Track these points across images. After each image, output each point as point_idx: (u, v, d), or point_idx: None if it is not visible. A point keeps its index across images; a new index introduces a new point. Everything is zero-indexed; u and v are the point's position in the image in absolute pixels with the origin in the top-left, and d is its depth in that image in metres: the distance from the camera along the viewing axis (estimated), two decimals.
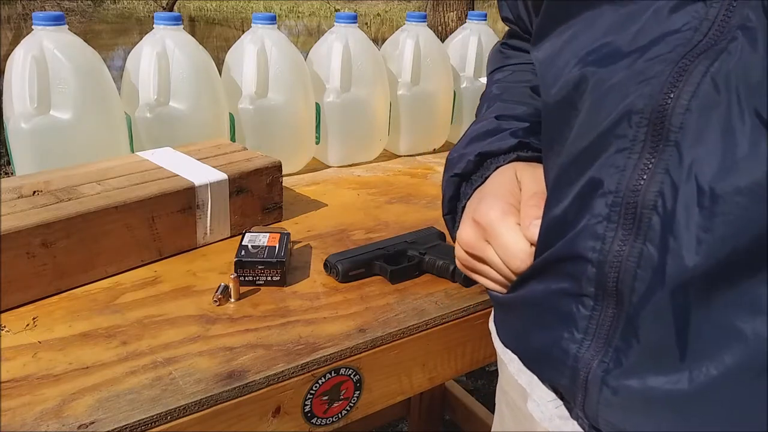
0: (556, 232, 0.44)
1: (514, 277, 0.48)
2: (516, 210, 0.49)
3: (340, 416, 0.60)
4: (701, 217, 0.34)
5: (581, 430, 0.46)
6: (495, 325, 0.57)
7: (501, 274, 0.49)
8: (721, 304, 0.35)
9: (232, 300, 0.63)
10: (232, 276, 0.64)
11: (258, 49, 0.98)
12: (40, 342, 0.56)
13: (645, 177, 0.37)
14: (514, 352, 0.53)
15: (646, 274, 0.37)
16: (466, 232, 0.51)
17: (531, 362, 0.50)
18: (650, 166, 0.36)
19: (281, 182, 0.84)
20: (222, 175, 0.77)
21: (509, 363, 0.56)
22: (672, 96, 0.35)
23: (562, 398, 0.49)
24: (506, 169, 0.53)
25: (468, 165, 0.55)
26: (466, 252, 0.52)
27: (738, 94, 0.33)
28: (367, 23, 11.02)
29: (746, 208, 0.33)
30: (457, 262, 0.54)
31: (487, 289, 0.53)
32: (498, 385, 0.61)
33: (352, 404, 0.61)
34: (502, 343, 0.55)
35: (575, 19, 0.44)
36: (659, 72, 0.36)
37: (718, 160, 0.34)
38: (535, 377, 0.51)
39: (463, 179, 0.56)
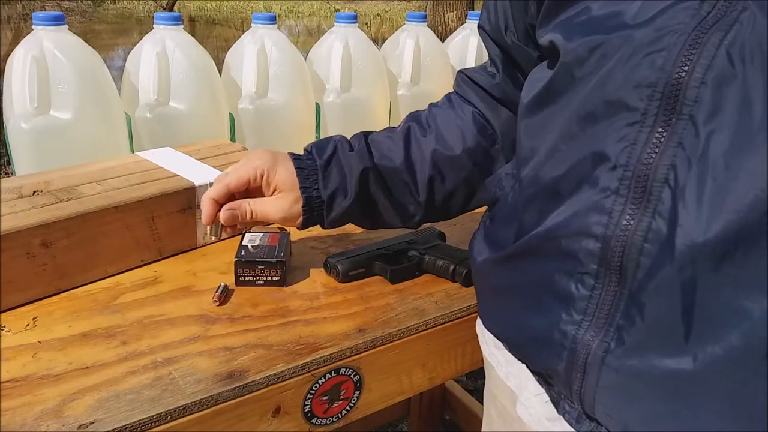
0: (546, 202, 0.43)
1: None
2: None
3: (340, 416, 0.60)
4: (714, 192, 0.34)
5: (570, 428, 0.45)
6: (483, 316, 0.56)
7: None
8: (729, 281, 0.34)
9: (212, 237, 0.64)
10: (218, 214, 0.63)
11: (258, 49, 0.98)
12: (40, 342, 0.56)
13: (657, 150, 0.36)
14: (504, 341, 0.52)
15: (653, 248, 0.36)
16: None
17: (523, 349, 0.49)
18: (662, 139, 0.36)
19: None
20: None
21: (497, 366, 0.56)
22: (686, 69, 0.35)
23: (549, 390, 0.48)
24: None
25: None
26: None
27: (754, 66, 0.33)
28: (367, 23, 11.02)
29: (760, 183, 0.33)
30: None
31: (478, 270, 0.54)
32: (486, 389, 0.61)
33: (352, 404, 0.61)
34: (492, 332, 0.54)
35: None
36: (671, 44, 0.36)
37: (734, 134, 0.34)
38: (523, 380, 0.51)
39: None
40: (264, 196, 0.63)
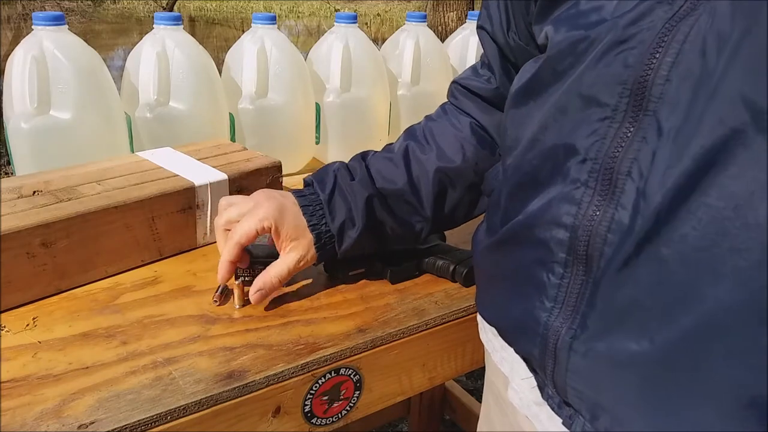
0: (526, 192, 0.45)
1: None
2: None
3: (340, 416, 0.60)
4: (675, 180, 0.35)
5: (554, 414, 0.46)
6: (478, 302, 0.58)
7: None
8: (684, 269, 0.35)
9: (237, 306, 0.63)
10: (237, 282, 0.63)
11: (258, 49, 0.98)
12: (40, 342, 0.56)
13: (623, 145, 0.37)
14: (494, 325, 0.53)
15: (615, 238, 0.38)
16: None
17: (508, 334, 0.51)
18: (629, 135, 0.37)
19: (281, 182, 0.84)
20: (222, 175, 0.77)
21: (493, 353, 0.57)
22: (653, 66, 0.36)
23: (535, 375, 0.49)
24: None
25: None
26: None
27: (715, 58, 0.33)
28: (367, 23, 11.02)
29: None
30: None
31: (476, 257, 0.55)
32: (485, 376, 0.62)
33: (352, 404, 0.61)
34: (484, 318, 0.55)
35: None
36: (642, 40, 0.36)
37: (684, 127, 0.34)
38: (515, 365, 0.52)
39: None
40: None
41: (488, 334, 0.59)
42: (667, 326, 0.36)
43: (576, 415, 0.44)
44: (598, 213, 0.39)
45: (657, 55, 0.36)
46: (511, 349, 0.52)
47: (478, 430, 0.67)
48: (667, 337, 0.36)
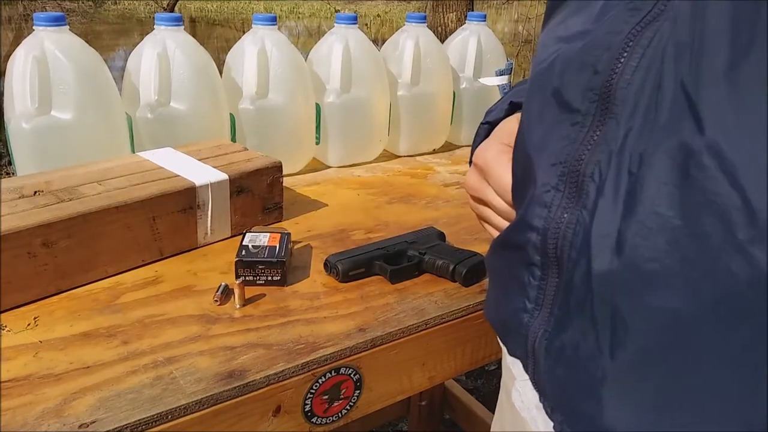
0: (516, 189, 0.46)
1: (512, 216, 0.48)
2: (510, 149, 0.49)
3: (340, 415, 0.60)
4: (629, 184, 0.35)
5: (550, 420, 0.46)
6: (485, 304, 0.57)
7: (501, 215, 0.50)
8: (639, 277, 0.35)
9: (238, 306, 0.63)
10: (237, 282, 0.63)
11: (258, 49, 0.98)
12: (41, 341, 0.56)
13: (590, 148, 0.38)
14: (492, 326, 0.53)
15: (578, 240, 0.38)
16: (468, 175, 0.53)
17: (501, 334, 0.51)
18: (595, 138, 0.38)
19: (281, 182, 0.84)
20: (222, 176, 0.77)
21: (506, 354, 0.57)
22: (617, 71, 0.36)
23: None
24: (515, 116, 0.54)
25: (498, 114, 0.56)
26: (472, 197, 0.53)
27: (673, 62, 0.34)
28: (367, 24, 11.02)
29: (668, 179, 0.34)
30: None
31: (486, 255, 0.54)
32: (502, 372, 0.62)
33: (352, 403, 0.61)
34: (488, 318, 0.55)
35: None
36: (612, 45, 0.37)
37: (642, 129, 0.35)
38: (521, 366, 0.52)
39: (492, 127, 0.56)
40: None
41: None
42: (625, 338, 0.36)
43: (565, 421, 0.44)
44: (565, 216, 0.39)
45: (622, 60, 0.36)
46: None
47: (491, 430, 0.67)
48: (627, 350, 0.36)
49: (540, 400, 0.48)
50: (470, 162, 0.57)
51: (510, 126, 0.52)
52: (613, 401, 0.38)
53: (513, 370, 0.55)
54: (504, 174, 0.48)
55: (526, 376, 0.50)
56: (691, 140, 0.32)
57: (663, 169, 0.34)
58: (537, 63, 0.44)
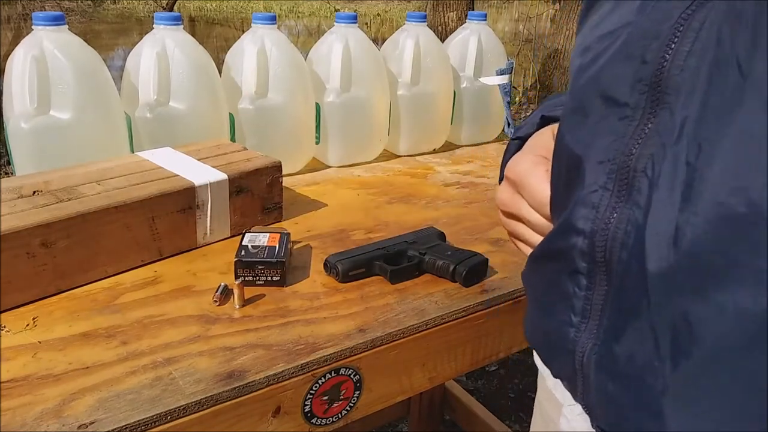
0: (558, 201, 0.42)
1: (548, 231, 0.45)
2: (546, 161, 0.47)
3: (340, 416, 0.60)
4: (687, 175, 0.33)
5: None
6: (525, 325, 0.54)
7: (536, 230, 0.47)
8: (701, 276, 0.33)
9: (237, 306, 0.63)
10: (237, 282, 0.63)
11: (258, 49, 0.98)
12: (40, 342, 0.56)
13: (640, 141, 0.35)
14: (532, 346, 0.50)
15: (630, 240, 0.35)
16: (500, 190, 0.50)
17: (543, 354, 0.47)
18: (646, 131, 0.35)
19: (281, 182, 0.84)
20: (222, 175, 0.77)
21: (548, 377, 0.54)
22: (668, 58, 0.34)
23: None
24: (548, 128, 0.52)
25: (529, 128, 0.53)
26: (503, 213, 0.50)
27: (729, 43, 0.32)
28: (367, 23, 11.01)
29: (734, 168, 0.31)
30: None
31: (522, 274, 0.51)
32: (537, 396, 0.59)
33: (352, 404, 0.61)
34: (527, 340, 0.51)
35: None
36: (660, 33, 0.35)
37: (701, 116, 0.33)
38: (568, 392, 0.49)
39: (523, 143, 0.54)
40: None
41: None
42: (690, 345, 0.33)
43: None
44: (614, 216, 0.36)
45: (672, 46, 0.34)
46: None
47: None
48: (691, 357, 0.33)
49: (592, 424, 0.44)
50: (500, 179, 0.54)
51: (543, 138, 0.50)
52: (677, 414, 0.35)
53: (556, 394, 0.51)
54: (540, 186, 0.45)
55: (574, 401, 0.46)
56: (754, 123, 0.30)
57: (724, 156, 0.31)
58: (577, 63, 0.42)
